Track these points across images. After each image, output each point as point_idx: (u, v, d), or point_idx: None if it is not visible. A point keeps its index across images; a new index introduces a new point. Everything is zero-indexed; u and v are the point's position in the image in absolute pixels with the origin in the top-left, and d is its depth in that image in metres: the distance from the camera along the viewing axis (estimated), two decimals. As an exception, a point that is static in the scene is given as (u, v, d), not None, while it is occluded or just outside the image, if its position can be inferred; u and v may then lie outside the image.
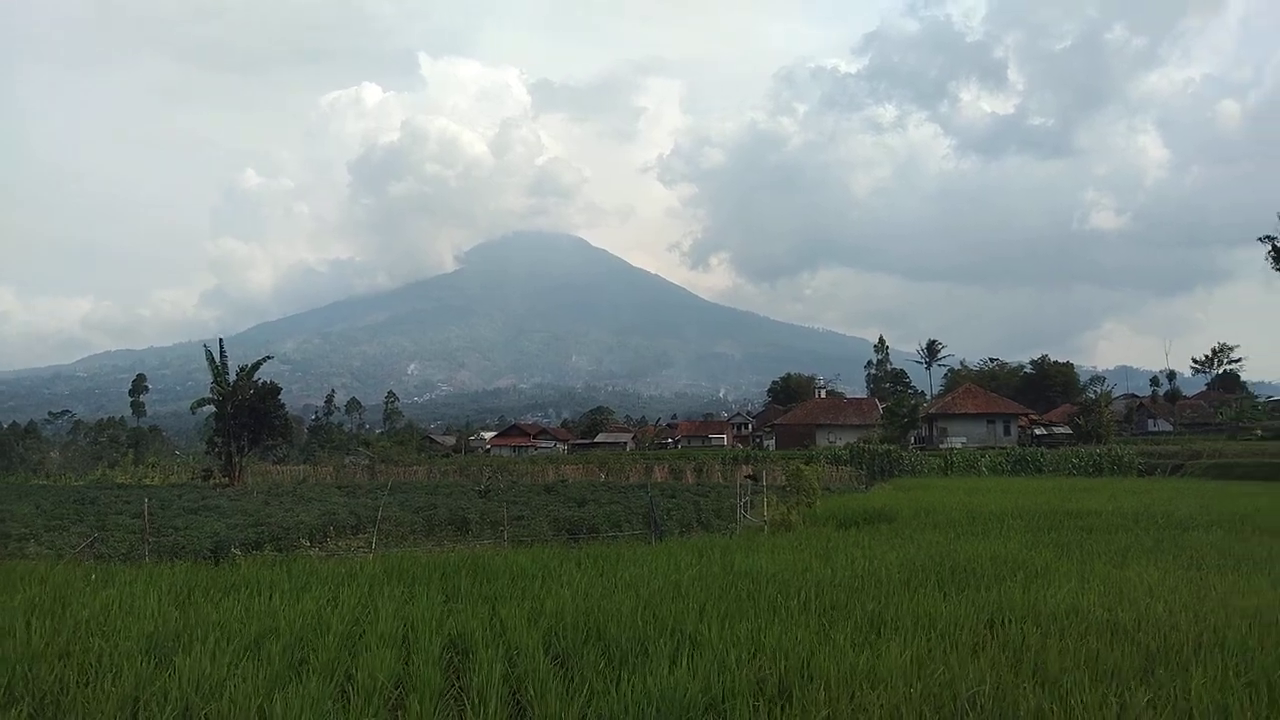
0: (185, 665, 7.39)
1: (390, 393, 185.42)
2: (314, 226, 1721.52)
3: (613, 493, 36.73)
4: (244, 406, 55.47)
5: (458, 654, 8.66)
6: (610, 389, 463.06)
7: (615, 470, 59.71)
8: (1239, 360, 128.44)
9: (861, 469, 59.21)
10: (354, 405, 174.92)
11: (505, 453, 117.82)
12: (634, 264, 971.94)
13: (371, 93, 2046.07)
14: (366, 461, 77.96)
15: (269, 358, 62.47)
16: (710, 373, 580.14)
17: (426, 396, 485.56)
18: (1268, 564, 13.91)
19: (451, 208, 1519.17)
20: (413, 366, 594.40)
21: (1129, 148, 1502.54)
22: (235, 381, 56.43)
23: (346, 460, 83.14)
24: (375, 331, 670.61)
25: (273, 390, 57.74)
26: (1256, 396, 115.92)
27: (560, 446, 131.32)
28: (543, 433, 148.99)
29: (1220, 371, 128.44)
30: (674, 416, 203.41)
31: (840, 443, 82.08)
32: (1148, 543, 16.82)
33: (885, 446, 70.23)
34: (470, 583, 12.57)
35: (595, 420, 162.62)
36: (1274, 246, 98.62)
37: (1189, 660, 7.51)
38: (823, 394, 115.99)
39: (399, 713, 6.84)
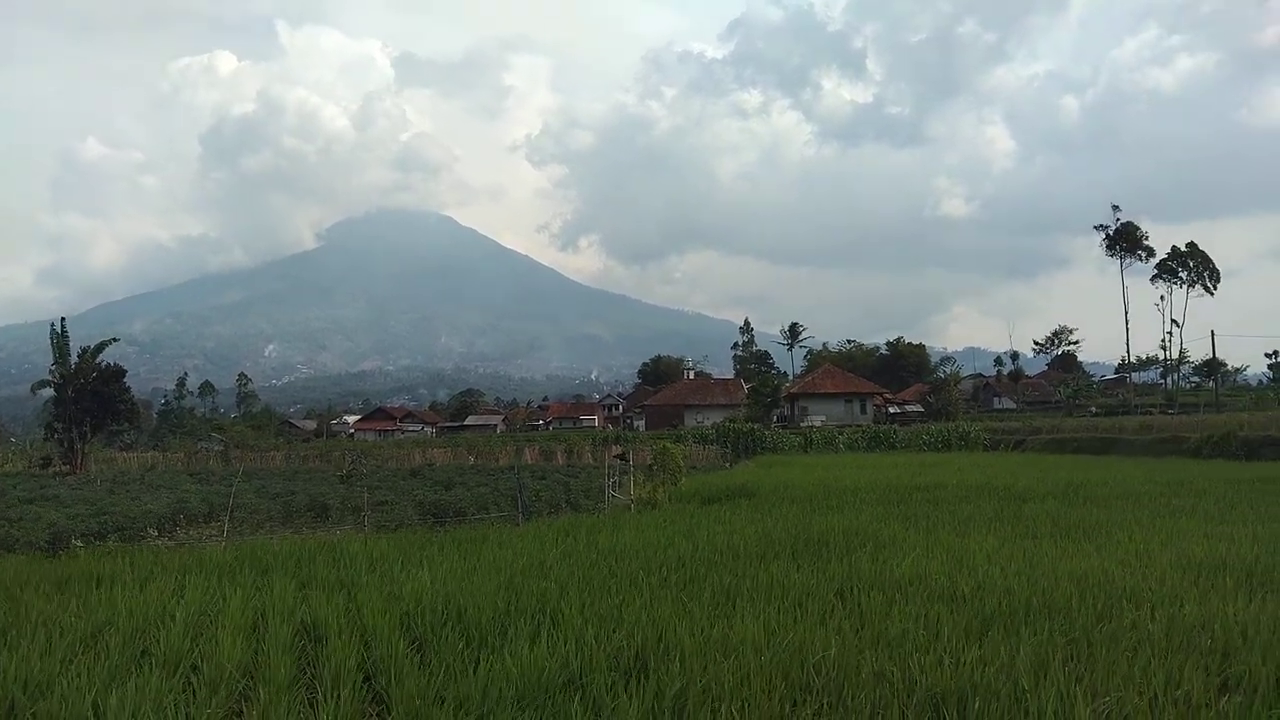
0: (10, 663, 6.97)
1: (243, 374, 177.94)
2: (163, 201, 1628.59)
3: (481, 475, 36.39)
4: (86, 390, 52.21)
5: (311, 641, 8.44)
6: (481, 371, 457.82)
7: (485, 453, 59.14)
8: (1076, 342, 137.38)
9: (727, 448, 60.53)
10: (207, 388, 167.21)
11: (370, 437, 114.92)
12: (505, 244, 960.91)
13: (225, 61, 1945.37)
14: (220, 447, 74.68)
15: (114, 339, 58.92)
16: (582, 354, 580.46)
17: (286, 379, 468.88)
18: (1094, 531, 14.93)
19: (311, 183, 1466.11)
20: (271, 348, 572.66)
21: (978, 138, 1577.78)
22: (77, 364, 53.01)
23: (199, 446, 79.39)
24: (230, 311, 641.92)
25: (117, 373, 54.49)
26: (1091, 376, 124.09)
27: (428, 430, 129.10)
28: (409, 416, 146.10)
29: (1059, 352, 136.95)
30: (545, 398, 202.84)
31: (707, 422, 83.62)
32: (989, 513, 17.79)
33: (750, 426, 72.00)
34: (327, 569, 12.26)
35: (465, 403, 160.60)
36: (1107, 235, 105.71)
37: (1020, 622, 8.01)
38: (691, 375, 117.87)
39: (246, 703, 6.63)
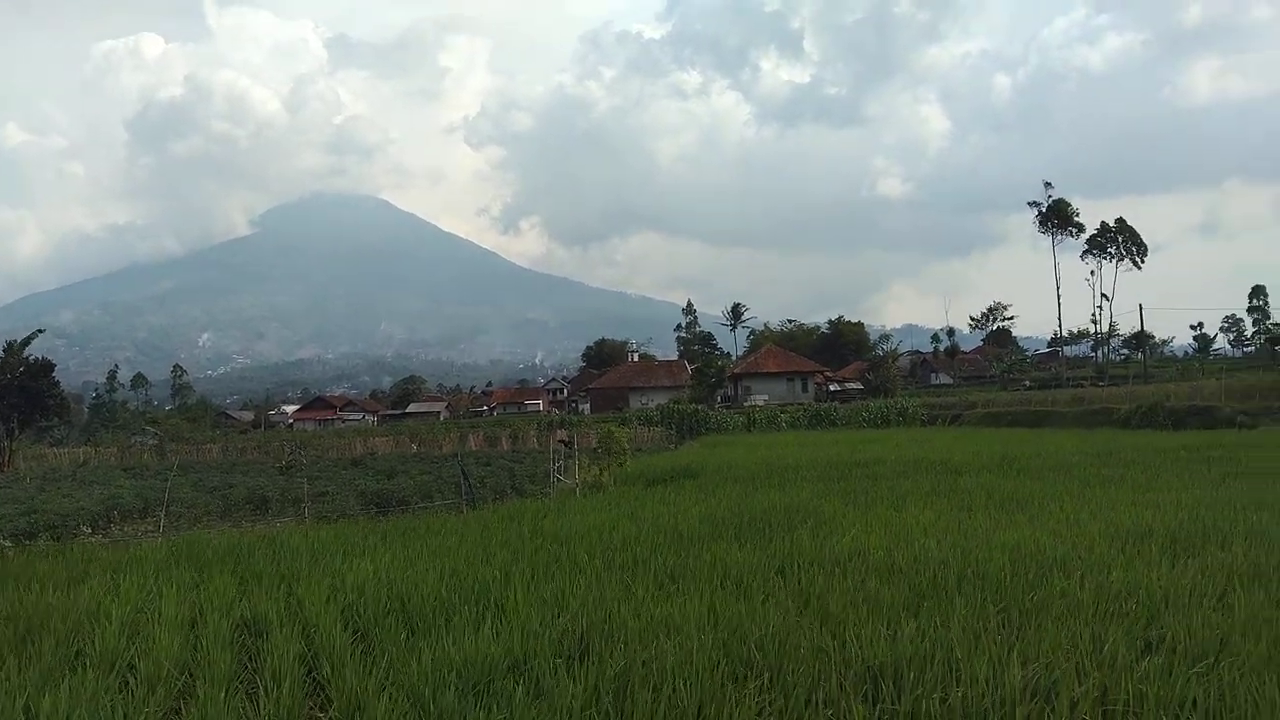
0: (-66, 670, 6.77)
1: (178, 366, 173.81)
2: (90, 189, 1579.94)
3: (425, 464, 36.13)
4: (13, 385, 50.54)
5: (252, 636, 8.34)
6: (423, 357, 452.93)
7: (428, 441, 58.67)
8: (1011, 318, 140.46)
9: (672, 429, 60.88)
10: (140, 381, 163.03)
11: (309, 427, 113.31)
12: (444, 228, 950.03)
13: (151, 43, 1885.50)
14: (155, 441, 72.98)
15: (41, 331, 57.11)
16: (526, 339, 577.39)
17: (221, 369, 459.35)
18: (1027, 502, 15.33)
19: (243, 168, 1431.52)
20: (205, 338, 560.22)
21: (914, 118, 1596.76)
22: (2, 358, 51.27)
23: (132, 440, 77.41)
24: (162, 301, 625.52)
25: (46, 367, 52.80)
26: (1025, 351, 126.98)
27: (369, 418, 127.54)
28: (350, 404, 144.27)
29: (994, 328, 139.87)
30: (489, 384, 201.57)
31: (652, 404, 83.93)
32: (925, 487, 18.16)
33: (694, 407, 72.45)
34: (267, 562, 12.10)
35: (407, 390, 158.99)
36: (1040, 212, 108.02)
37: (954, 593, 8.22)
38: (635, 358, 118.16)
39: (185, 701, 6.53)
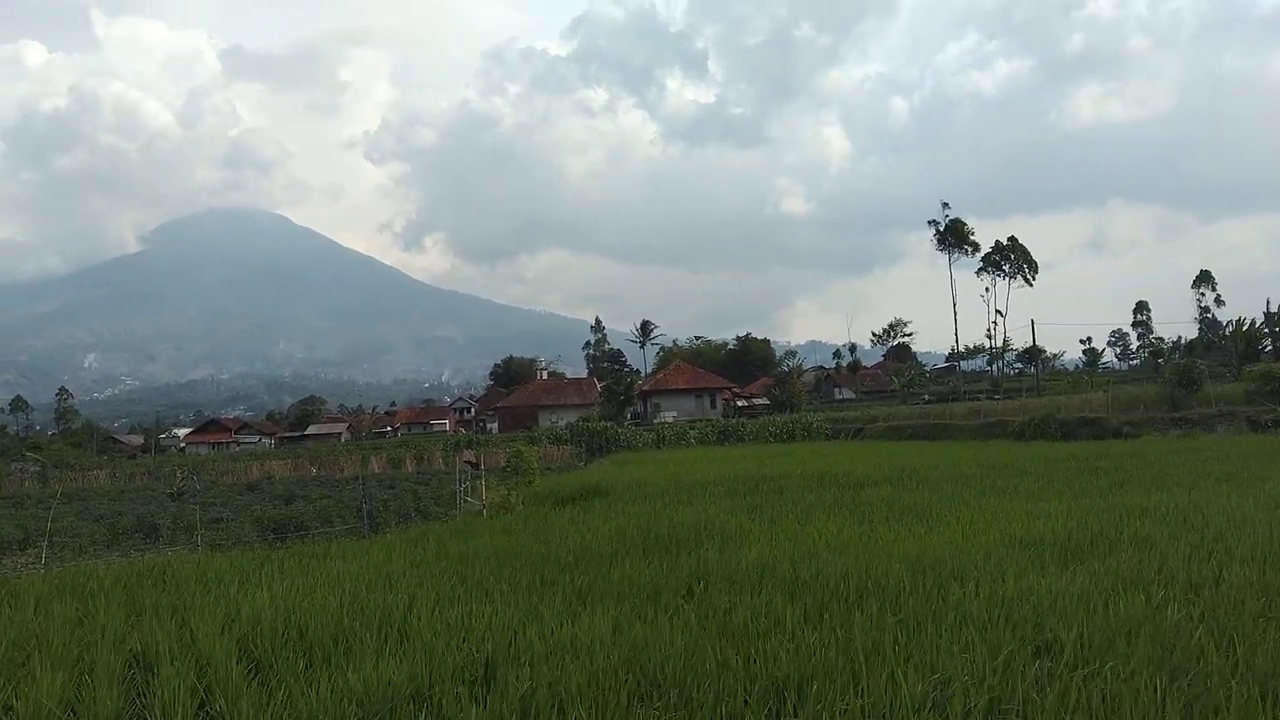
0: None
1: (63, 389, 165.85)
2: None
3: (325, 487, 35.23)
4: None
5: (141, 670, 7.97)
6: (324, 377, 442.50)
7: (328, 464, 57.18)
8: (910, 333, 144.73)
9: (581, 447, 60.69)
10: (20, 405, 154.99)
11: (203, 451, 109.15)
12: (345, 245, 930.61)
13: (33, 52, 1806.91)
14: (36, 468, 69.40)
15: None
16: (432, 357, 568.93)
17: (108, 392, 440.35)
18: (926, 513, 15.77)
19: (133, 183, 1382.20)
20: (91, 359, 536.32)
21: (816, 138, 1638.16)
22: None
23: (12, 468, 73.41)
24: (45, 321, 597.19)
25: (-87, 392, 49.90)
26: (924, 365, 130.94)
27: (266, 441, 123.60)
28: (245, 427, 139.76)
29: (895, 343, 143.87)
30: (393, 404, 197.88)
31: (562, 422, 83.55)
32: (828, 501, 18.51)
33: (604, 424, 72.37)
34: (156, 593, 11.59)
35: (306, 411, 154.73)
36: (937, 230, 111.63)
37: (854, 605, 8.38)
38: (544, 375, 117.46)
39: (66, 743, 6.20)
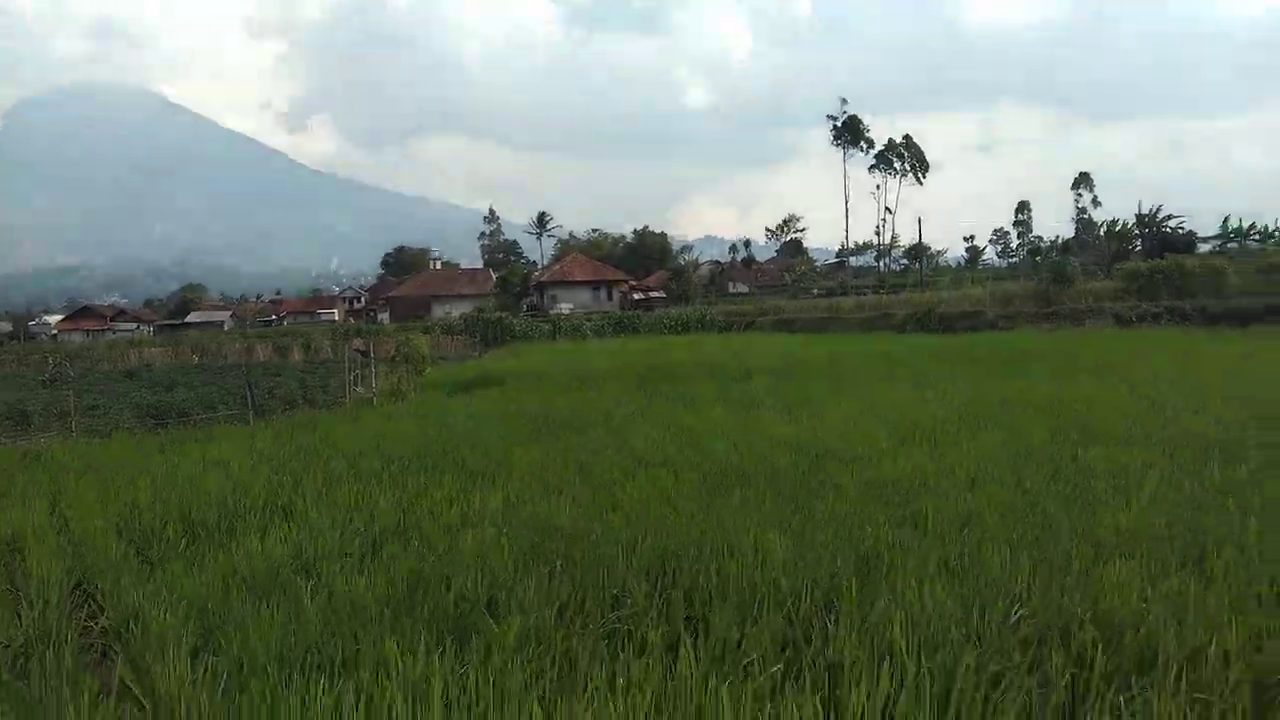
0: None
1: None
2: None
3: (207, 375, 34.17)
4: None
5: (14, 555, 7.77)
6: (205, 264, 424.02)
7: (211, 352, 55.33)
8: (803, 229, 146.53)
9: (476, 338, 60.16)
10: None
11: (77, 338, 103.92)
12: (226, 125, 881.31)
13: None
14: (-109, 356, 65.11)
15: None
16: (319, 245, 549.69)
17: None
18: (809, 402, 16.29)
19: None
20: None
21: (718, 30, 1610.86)
22: None
23: None
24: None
25: None
26: (815, 261, 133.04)
27: (145, 329, 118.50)
28: (122, 314, 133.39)
29: (788, 239, 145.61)
30: (278, 293, 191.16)
31: (456, 313, 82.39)
32: (718, 389, 18.94)
33: (499, 315, 71.72)
34: (27, 480, 11.21)
35: (186, 299, 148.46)
36: (835, 126, 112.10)
37: (737, 484, 8.70)
38: (437, 265, 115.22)
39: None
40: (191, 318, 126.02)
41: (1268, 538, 6.02)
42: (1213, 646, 4.23)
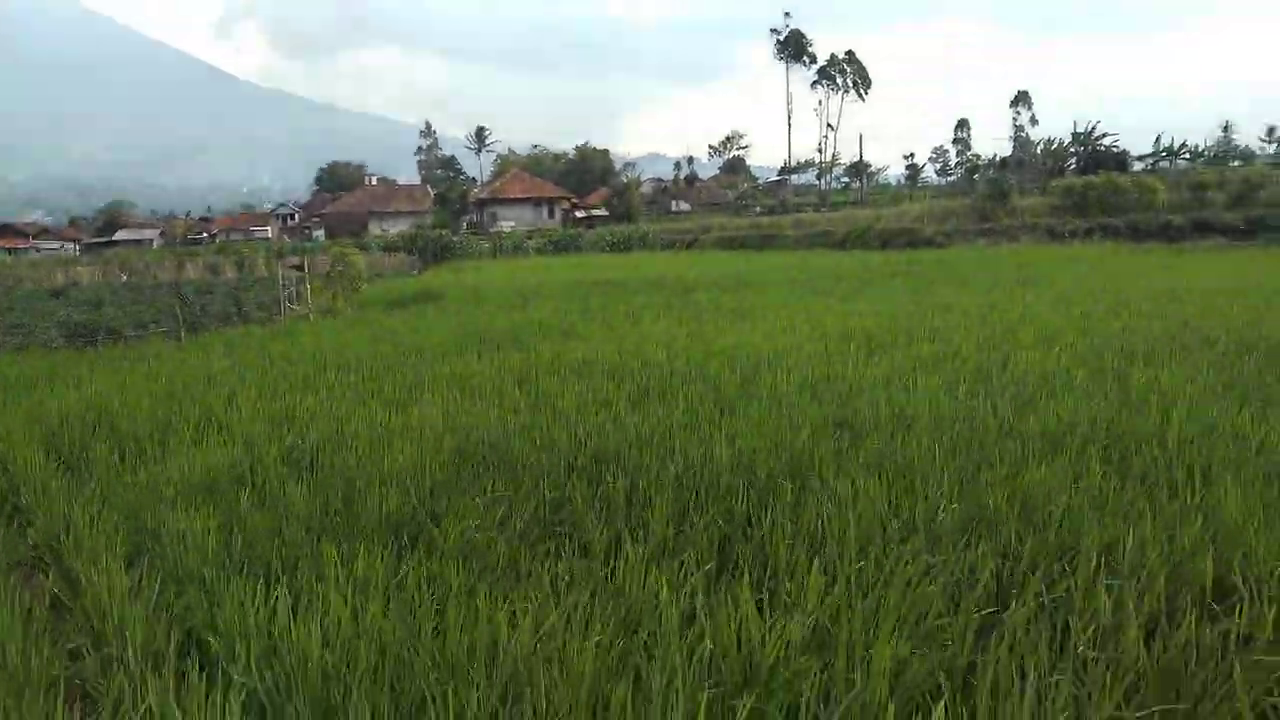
0: None
1: None
2: None
3: (137, 293, 33.17)
4: None
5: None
6: (132, 180, 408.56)
7: (140, 270, 53.61)
8: (746, 146, 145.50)
9: (415, 256, 59.23)
10: None
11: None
12: (149, 35, 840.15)
13: None
14: None
15: None
16: (250, 160, 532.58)
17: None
18: (749, 313, 16.41)
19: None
20: None
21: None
22: None
23: None
24: None
25: None
26: (758, 178, 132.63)
27: (71, 248, 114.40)
28: (45, 232, 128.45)
29: (730, 156, 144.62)
30: (209, 209, 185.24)
31: (393, 231, 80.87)
32: (660, 303, 18.97)
33: (438, 233, 70.58)
34: (-53, 395, 10.86)
35: (113, 216, 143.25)
36: (778, 40, 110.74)
37: (678, 391, 8.76)
38: (373, 181, 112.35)
39: None
40: (119, 236, 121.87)
41: (1187, 431, 6.26)
42: (1130, 537, 4.41)
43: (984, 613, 3.90)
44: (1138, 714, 3.19)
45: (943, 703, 3.17)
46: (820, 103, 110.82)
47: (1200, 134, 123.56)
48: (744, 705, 3.16)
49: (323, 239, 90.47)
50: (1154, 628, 3.69)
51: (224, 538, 5.08)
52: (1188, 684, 3.33)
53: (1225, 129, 77.33)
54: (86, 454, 7.48)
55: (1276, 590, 3.96)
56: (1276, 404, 7.20)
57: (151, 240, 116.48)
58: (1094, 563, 4.25)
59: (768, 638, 3.52)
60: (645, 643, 3.68)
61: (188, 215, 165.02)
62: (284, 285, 25.88)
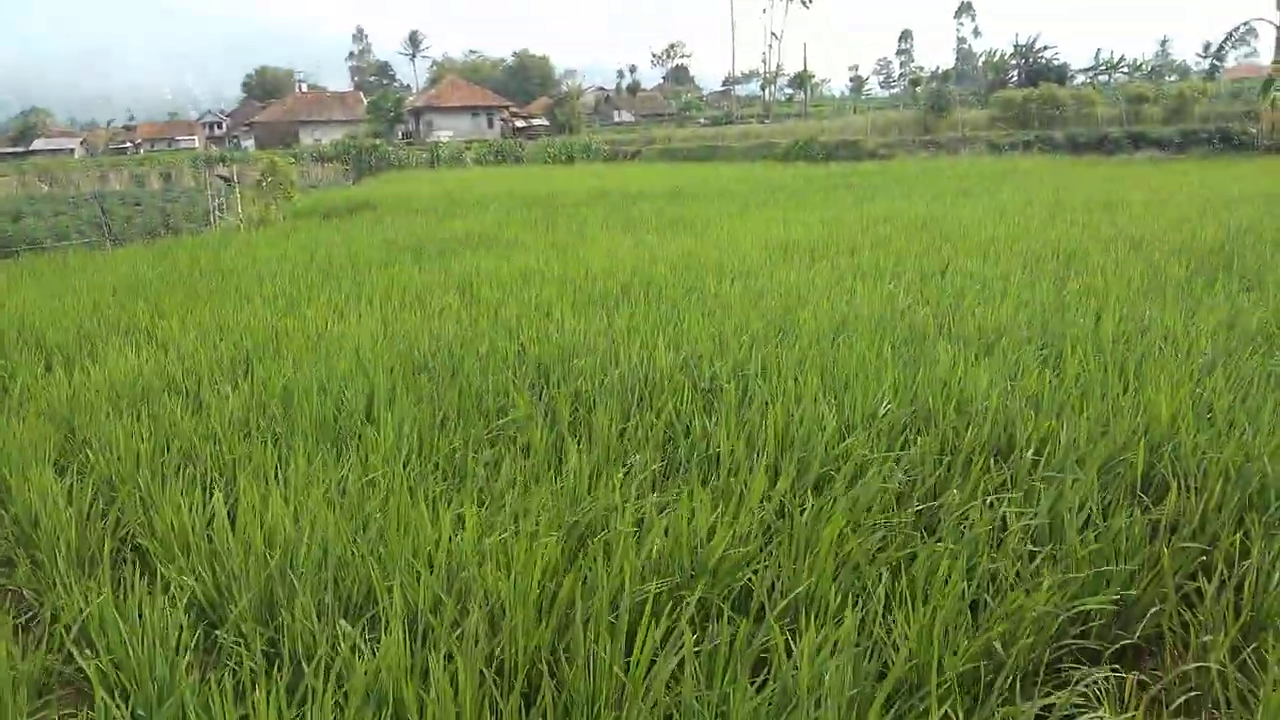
0: None
1: None
2: None
3: (58, 204, 31.83)
4: None
5: None
6: (45, 84, 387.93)
7: (61, 181, 51.42)
8: (689, 55, 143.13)
9: (349, 166, 57.62)
10: None
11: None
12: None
13: None
14: None
15: None
16: (172, 63, 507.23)
17: None
18: (692, 224, 16.30)
19: None
20: None
21: None
22: None
23: None
24: None
25: None
26: (702, 89, 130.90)
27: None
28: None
29: (674, 65, 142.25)
30: (132, 117, 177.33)
31: (326, 140, 78.40)
32: (603, 214, 18.73)
33: (373, 142, 68.60)
34: None
35: (29, 125, 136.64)
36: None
37: (620, 299, 8.71)
38: (303, 89, 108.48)
39: None
40: (37, 145, 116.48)
41: (1119, 332, 6.42)
42: (1064, 432, 4.52)
43: (923, 507, 4.00)
44: (1072, 601, 3.29)
45: (882, 587, 3.26)
46: (764, 10, 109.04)
47: (1141, 48, 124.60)
48: (692, 594, 3.20)
49: (252, 149, 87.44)
50: (1088, 518, 3.81)
51: (160, 443, 4.96)
52: (1120, 570, 3.45)
53: (1163, 44, 78.06)
54: (11, 366, 7.22)
55: (1202, 482, 4.11)
56: (1205, 306, 7.39)
57: (72, 150, 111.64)
58: (1029, 456, 4.37)
59: (718, 529, 3.56)
60: (592, 539, 3.70)
61: (110, 124, 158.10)
62: (213, 195, 25.06)
